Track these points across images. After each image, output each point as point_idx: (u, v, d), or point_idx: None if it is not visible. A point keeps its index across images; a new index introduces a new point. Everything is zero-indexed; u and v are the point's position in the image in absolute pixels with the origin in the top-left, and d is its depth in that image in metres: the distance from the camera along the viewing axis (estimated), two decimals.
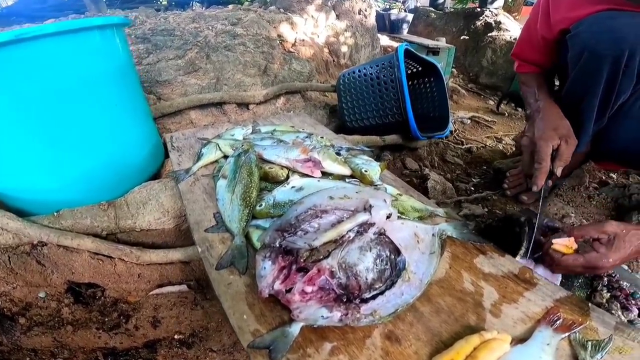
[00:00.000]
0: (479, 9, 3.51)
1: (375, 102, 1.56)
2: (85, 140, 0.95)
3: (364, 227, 0.66)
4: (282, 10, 2.16)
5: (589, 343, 0.57)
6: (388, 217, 0.70)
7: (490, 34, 3.21)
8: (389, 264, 0.64)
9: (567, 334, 0.58)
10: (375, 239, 0.66)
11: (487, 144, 2.01)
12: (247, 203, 0.80)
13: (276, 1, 2.36)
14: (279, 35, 1.95)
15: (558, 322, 0.60)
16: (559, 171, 0.97)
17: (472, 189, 1.53)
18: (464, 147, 1.93)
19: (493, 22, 3.26)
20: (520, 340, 0.57)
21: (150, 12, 2.11)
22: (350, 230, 0.65)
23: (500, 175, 1.54)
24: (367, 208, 0.69)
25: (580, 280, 0.93)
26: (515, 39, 2.96)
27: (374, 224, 0.67)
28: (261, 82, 1.74)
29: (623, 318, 0.88)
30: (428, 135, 1.62)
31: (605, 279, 0.95)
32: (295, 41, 2.06)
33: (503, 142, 2.07)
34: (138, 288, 1.07)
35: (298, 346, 0.55)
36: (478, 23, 3.38)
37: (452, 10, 3.97)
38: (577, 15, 0.98)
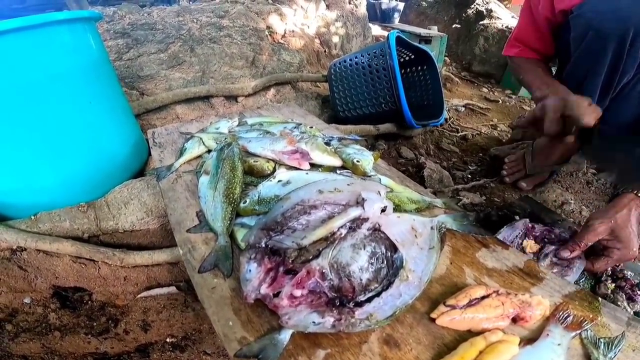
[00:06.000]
0: None
1: (368, 91, 1.52)
2: (59, 139, 0.91)
3: (356, 223, 0.61)
4: (270, 1, 2.11)
5: (602, 341, 0.54)
6: (383, 210, 0.65)
7: (481, 22, 3.19)
8: (385, 262, 0.59)
9: (578, 332, 0.55)
10: (369, 235, 0.61)
11: (482, 131, 2.01)
12: (230, 200, 0.75)
13: None
14: (268, 27, 1.92)
15: (568, 319, 0.56)
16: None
17: (469, 176, 1.51)
18: (459, 134, 1.92)
19: (484, 10, 3.24)
20: (528, 340, 0.53)
21: (133, 8, 2.05)
22: (341, 227, 0.60)
23: (496, 162, 1.53)
24: (360, 202, 0.63)
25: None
26: (507, 26, 2.96)
27: (368, 218, 0.62)
28: (250, 73, 1.71)
29: (629, 309, 0.85)
30: (423, 123, 1.59)
31: (609, 269, 0.91)
32: (284, 32, 2.03)
33: (498, 129, 2.07)
34: (125, 291, 1.04)
35: (289, 354, 0.51)
36: (469, 11, 3.36)
37: None
38: None
